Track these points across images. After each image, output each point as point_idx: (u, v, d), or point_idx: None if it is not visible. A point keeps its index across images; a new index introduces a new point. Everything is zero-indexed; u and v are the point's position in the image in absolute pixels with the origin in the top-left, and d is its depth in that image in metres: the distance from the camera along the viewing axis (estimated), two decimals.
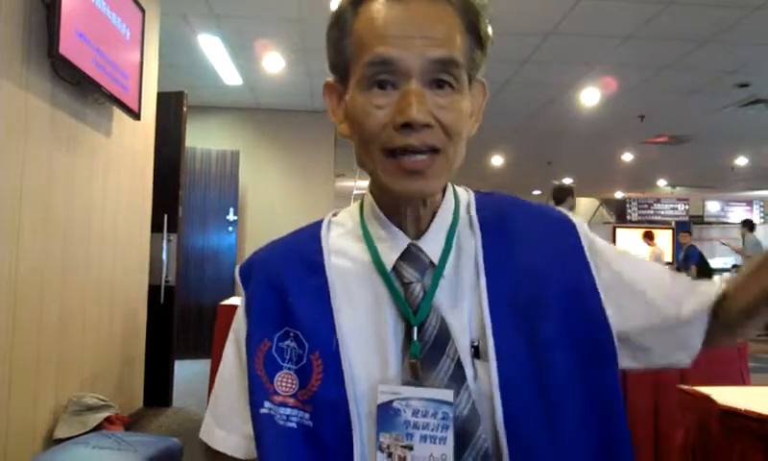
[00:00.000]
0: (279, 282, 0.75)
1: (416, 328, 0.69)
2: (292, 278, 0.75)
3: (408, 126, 0.65)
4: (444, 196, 0.76)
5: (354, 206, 0.81)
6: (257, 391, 0.71)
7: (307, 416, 0.69)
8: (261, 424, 0.70)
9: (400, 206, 0.73)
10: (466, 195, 0.81)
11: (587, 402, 0.68)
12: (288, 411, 0.70)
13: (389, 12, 0.68)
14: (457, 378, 0.67)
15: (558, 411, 0.67)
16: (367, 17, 0.69)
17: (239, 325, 0.77)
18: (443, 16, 0.68)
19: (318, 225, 0.81)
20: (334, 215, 0.83)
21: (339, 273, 0.74)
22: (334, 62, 0.73)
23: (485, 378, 0.67)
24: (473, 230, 0.76)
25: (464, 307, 0.71)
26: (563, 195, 5.14)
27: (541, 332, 0.69)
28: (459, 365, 0.68)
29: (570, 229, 0.77)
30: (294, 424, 0.69)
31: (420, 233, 0.74)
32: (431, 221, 0.74)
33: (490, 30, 0.72)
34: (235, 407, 0.74)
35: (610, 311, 0.71)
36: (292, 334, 0.72)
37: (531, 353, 0.68)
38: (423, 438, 0.66)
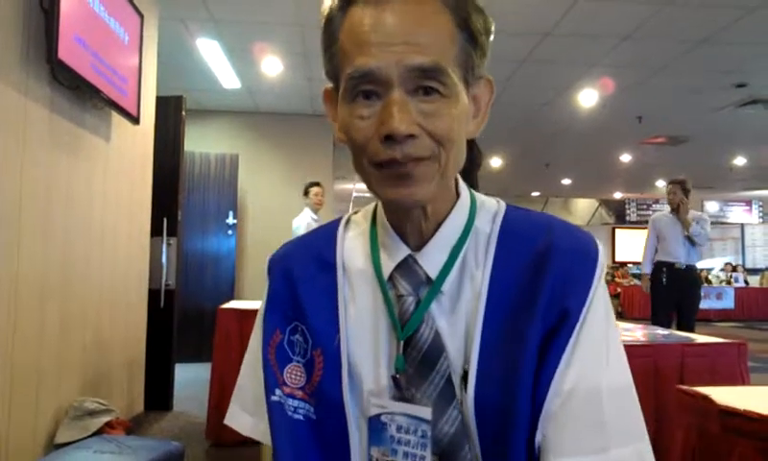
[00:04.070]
0: (294, 278, 0.76)
1: (402, 342, 0.68)
2: (305, 274, 0.76)
3: (391, 138, 0.62)
4: (453, 208, 0.72)
5: (371, 206, 0.80)
6: (269, 378, 0.73)
7: (312, 410, 0.70)
8: (273, 412, 0.72)
9: (400, 216, 0.71)
10: (495, 207, 0.75)
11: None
12: (296, 403, 0.71)
13: (369, 18, 0.63)
14: (447, 396, 0.66)
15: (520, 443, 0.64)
16: (349, 24, 0.65)
17: (262, 313, 0.78)
18: (428, 17, 0.63)
19: (336, 223, 0.80)
20: (355, 213, 0.82)
21: (349, 273, 0.74)
22: (326, 69, 0.71)
23: (465, 405, 0.65)
24: (489, 247, 0.70)
25: (461, 327, 0.68)
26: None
27: (520, 369, 0.64)
28: (449, 382, 0.66)
29: (592, 266, 0.68)
30: (301, 416, 0.71)
31: (421, 245, 0.71)
32: (434, 233, 0.71)
33: (487, 23, 0.68)
34: (263, 394, 0.75)
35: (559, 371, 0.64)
36: (300, 329, 0.73)
37: (506, 385, 0.64)
38: (405, 455, 0.66)
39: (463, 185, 0.75)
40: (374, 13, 0.63)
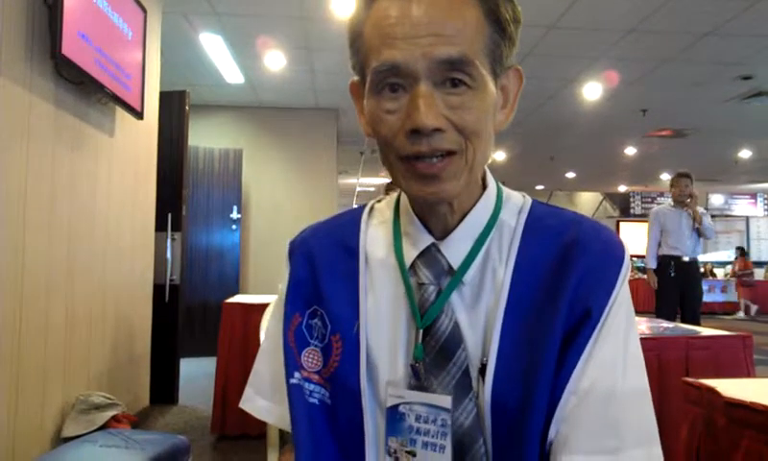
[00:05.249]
0: (315, 262, 0.76)
1: (421, 331, 0.67)
2: (327, 259, 0.75)
3: (417, 132, 0.61)
4: (479, 199, 0.71)
5: (394, 195, 0.79)
6: (289, 361, 0.73)
7: (327, 394, 0.71)
8: (292, 394, 0.72)
9: (425, 208, 0.71)
10: (520, 201, 0.75)
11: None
12: (312, 387, 0.71)
13: (394, 9, 0.62)
14: (464, 387, 0.66)
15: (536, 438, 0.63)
16: (375, 17, 0.64)
17: (281, 297, 0.78)
18: (455, 7, 0.62)
19: (360, 210, 0.80)
20: (378, 201, 0.81)
21: (370, 262, 0.74)
22: (353, 63, 0.70)
23: (481, 398, 0.65)
24: (513, 241, 0.70)
25: (481, 319, 0.67)
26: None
27: (540, 365, 0.63)
28: (466, 373, 0.66)
29: (618, 267, 0.67)
30: (316, 401, 0.71)
31: (445, 235, 0.70)
32: (459, 224, 0.70)
33: (516, 12, 0.67)
34: (279, 379, 0.75)
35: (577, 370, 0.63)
36: (319, 313, 0.73)
37: (525, 381, 0.63)
38: (425, 445, 0.66)
39: (490, 177, 0.74)
40: (400, 5, 0.62)
